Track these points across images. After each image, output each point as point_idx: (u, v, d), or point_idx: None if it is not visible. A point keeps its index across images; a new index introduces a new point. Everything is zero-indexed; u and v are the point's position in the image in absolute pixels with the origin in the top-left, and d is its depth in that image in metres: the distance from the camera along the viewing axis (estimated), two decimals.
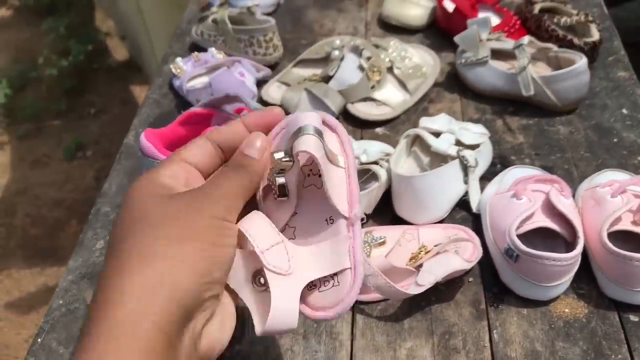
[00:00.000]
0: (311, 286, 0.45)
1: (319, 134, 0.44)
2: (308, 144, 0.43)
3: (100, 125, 2.45)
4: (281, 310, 0.42)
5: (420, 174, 0.76)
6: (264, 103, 0.99)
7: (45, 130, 2.42)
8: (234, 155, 0.45)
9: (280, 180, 0.45)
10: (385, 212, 0.79)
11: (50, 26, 2.84)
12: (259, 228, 0.44)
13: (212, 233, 0.40)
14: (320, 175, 0.45)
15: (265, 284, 0.43)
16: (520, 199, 0.71)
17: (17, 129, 2.42)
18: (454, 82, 1.00)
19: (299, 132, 0.44)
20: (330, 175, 0.45)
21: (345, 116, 0.96)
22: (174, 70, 1.01)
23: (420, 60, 0.99)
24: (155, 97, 1.04)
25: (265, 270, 0.42)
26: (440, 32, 1.10)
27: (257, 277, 0.44)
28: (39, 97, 2.56)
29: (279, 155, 0.44)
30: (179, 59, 1.03)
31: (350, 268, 0.44)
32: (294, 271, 0.43)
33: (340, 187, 0.46)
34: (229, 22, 1.04)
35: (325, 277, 0.45)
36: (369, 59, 0.96)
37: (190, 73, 1.00)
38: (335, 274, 0.44)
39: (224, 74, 0.95)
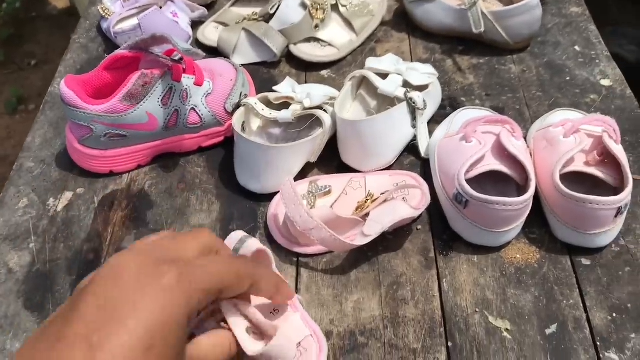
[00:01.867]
0: None
1: None
2: None
3: (42, 77, 2.32)
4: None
5: (366, 118, 0.71)
6: (200, 45, 0.92)
7: None
8: None
9: None
10: (331, 159, 0.75)
11: None
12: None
13: None
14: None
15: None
16: (470, 141, 0.67)
17: None
18: (402, 20, 0.94)
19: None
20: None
21: (289, 58, 0.90)
22: (101, 11, 0.93)
23: None
24: (83, 42, 0.96)
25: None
26: None
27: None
28: None
29: None
30: (106, 0, 0.94)
31: (311, 334, 0.53)
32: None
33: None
34: None
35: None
36: None
37: (119, 14, 0.92)
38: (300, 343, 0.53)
39: (155, 14, 0.87)
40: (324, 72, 0.88)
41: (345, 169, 0.74)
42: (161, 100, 0.72)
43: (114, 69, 0.74)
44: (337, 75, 0.87)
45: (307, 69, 0.89)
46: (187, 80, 0.74)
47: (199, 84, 0.75)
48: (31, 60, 2.38)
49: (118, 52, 0.73)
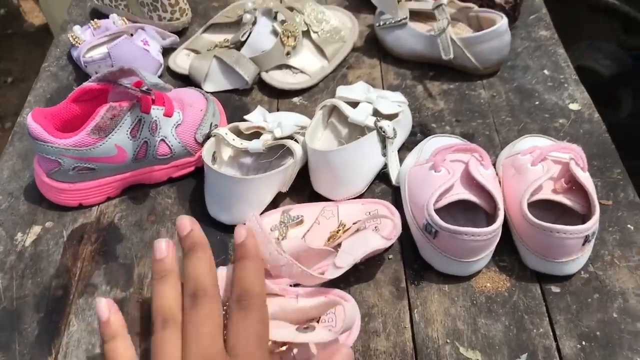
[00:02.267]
0: None
1: None
2: None
3: (19, 95, 2.30)
4: None
5: (337, 149, 0.71)
6: (172, 73, 0.92)
7: None
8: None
9: None
10: (302, 188, 0.75)
11: None
12: None
13: None
14: None
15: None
16: (439, 170, 0.68)
17: None
18: (373, 46, 0.95)
19: None
20: None
21: (260, 85, 0.90)
22: (71, 39, 0.92)
23: (338, 24, 0.94)
24: (53, 70, 0.95)
25: None
26: None
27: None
28: None
29: None
30: (77, 27, 0.93)
31: None
32: None
33: None
34: None
35: None
36: (283, 22, 0.90)
37: (89, 42, 0.91)
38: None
39: (124, 42, 0.87)
40: (296, 99, 0.88)
41: (317, 197, 0.74)
42: (130, 132, 0.71)
43: (82, 101, 0.74)
44: (309, 102, 0.88)
45: (278, 96, 0.89)
46: (156, 112, 0.73)
47: (168, 115, 0.74)
48: (7, 78, 2.36)
49: (86, 84, 0.73)
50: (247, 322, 0.44)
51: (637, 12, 1.73)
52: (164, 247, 0.47)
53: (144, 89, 0.72)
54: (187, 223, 0.48)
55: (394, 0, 0.88)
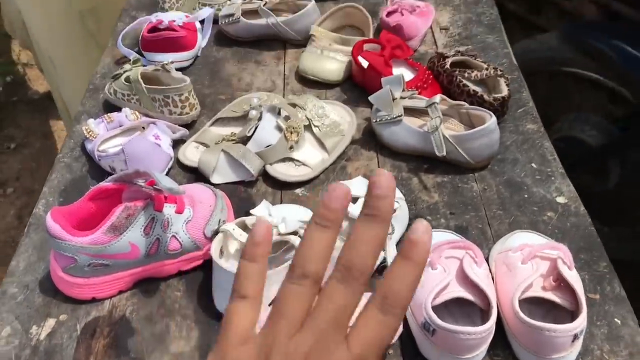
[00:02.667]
0: None
1: None
2: None
3: (20, 161, 2.35)
4: None
5: (337, 246, 0.76)
6: (182, 165, 0.97)
7: None
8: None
9: None
10: None
11: None
12: None
13: None
14: None
15: None
16: (435, 268, 0.72)
17: None
18: (370, 139, 1.01)
19: None
20: None
21: (265, 177, 0.95)
22: (85, 132, 0.97)
23: (338, 118, 1.00)
24: (67, 161, 1.00)
25: None
26: (357, 86, 1.11)
27: None
28: None
29: None
30: (91, 121, 0.99)
31: None
32: None
33: None
34: (142, 82, 1.01)
35: None
36: (287, 118, 0.96)
37: (103, 136, 0.97)
38: None
39: (137, 139, 0.92)
40: (298, 191, 0.93)
41: None
42: (143, 230, 0.76)
43: (98, 199, 0.78)
44: (311, 194, 0.92)
45: (282, 188, 0.94)
46: (168, 209, 0.78)
47: (179, 212, 0.79)
48: (10, 144, 2.42)
49: (102, 184, 0.78)
50: (380, 327, 0.37)
51: (620, 85, 1.81)
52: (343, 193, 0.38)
53: (157, 187, 0.77)
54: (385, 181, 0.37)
55: (390, 99, 0.94)
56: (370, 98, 0.96)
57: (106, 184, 0.78)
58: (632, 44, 1.66)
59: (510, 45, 1.55)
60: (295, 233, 0.79)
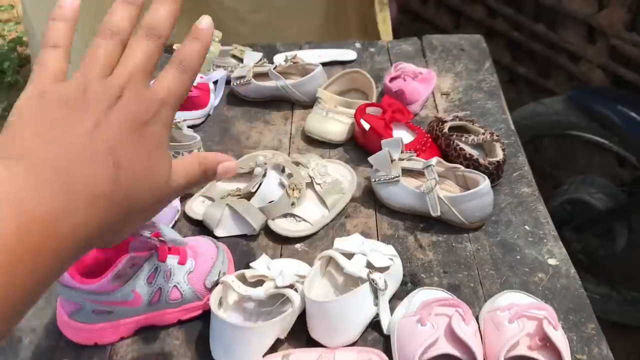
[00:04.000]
0: None
1: None
2: None
3: None
4: None
5: (332, 300, 0.79)
6: (187, 218, 1.02)
7: None
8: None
9: None
10: (300, 333, 0.81)
11: None
12: None
13: None
14: None
15: None
16: (425, 325, 0.74)
17: None
18: (369, 197, 1.05)
19: None
20: None
21: (266, 232, 0.99)
22: None
23: (339, 176, 1.04)
24: None
25: None
26: (358, 146, 1.16)
27: None
28: None
29: None
30: None
31: None
32: None
33: None
34: None
35: None
36: (290, 176, 1.00)
37: None
38: None
39: None
40: (298, 246, 0.97)
41: (314, 343, 0.80)
42: (146, 280, 0.80)
43: (105, 249, 0.82)
44: (310, 249, 0.96)
45: (283, 242, 0.97)
46: (171, 260, 0.82)
47: (182, 263, 0.83)
48: None
49: None
50: (178, 81, 0.48)
51: (626, 151, 1.84)
52: None
53: (161, 239, 0.81)
54: None
55: (388, 160, 0.99)
56: (370, 159, 1.01)
57: None
58: (637, 111, 1.69)
59: (517, 107, 1.59)
60: (291, 286, 0.82)
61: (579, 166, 2.00)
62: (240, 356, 0.77)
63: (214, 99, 1.29)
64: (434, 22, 2.61)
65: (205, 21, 0.50)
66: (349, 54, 1.43)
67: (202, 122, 1.25)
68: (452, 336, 0.74)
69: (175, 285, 0.82)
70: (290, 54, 1.37)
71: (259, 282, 0.84)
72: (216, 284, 0.83)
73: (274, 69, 1.27)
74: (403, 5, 2.55)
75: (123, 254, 0.80)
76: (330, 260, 0.88)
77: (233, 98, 1.32)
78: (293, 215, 0.99)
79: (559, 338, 0.72)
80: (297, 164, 1.03)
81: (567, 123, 1.81)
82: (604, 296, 1.87)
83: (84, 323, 0.80)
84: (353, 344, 0.81)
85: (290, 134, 1.22)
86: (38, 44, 2.45)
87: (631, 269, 1.90)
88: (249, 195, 1.01)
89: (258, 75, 1.29)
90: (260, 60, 1.34)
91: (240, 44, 1.42)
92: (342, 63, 1.42)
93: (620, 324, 1.80)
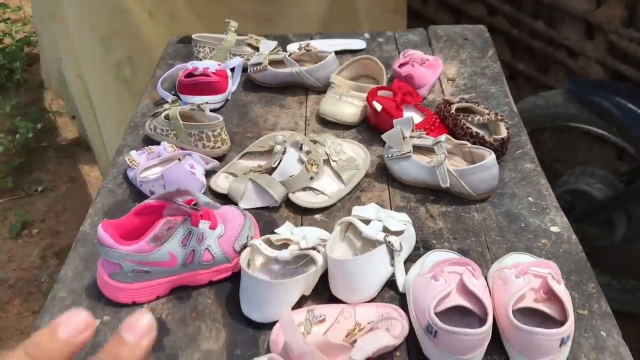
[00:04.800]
0: None
1: None
2: None
3: (47, 204, 2.47)
4: None
5: (352, 258, 0.86)
6: (213, 192, 1.08)
7: None
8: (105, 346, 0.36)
9: None
10: (322, 291, 0.88)
11: None
12: None
13: None
14: None
15: None
16: (438, 280, 0.81)
17: None
18: (382, 173, 1.12)
19: None
20: None
21: (287, 204, 1.06)
22: (128, 162, 1.09)
23: (353, 154, 1.11)
24: (110, 187, 1.12)
25: None
26: (371, 128, 1.23)
27: None
28: None
29: None
30: (133, 152, 1.11)
31: None
32: None
33: None
34: (180, 119, 1.14)
35: None
36: (308, 152, 1.07)
37: (144, 165, 1.08)
38: None
39: (175, 167, 1.04)
40: (317, 216, 1.04)
41: (335, 300, 0.87)
42: (181, 242, 0.86)
43: (143, 215, 0.89)
44: (328, 219, 1.03)
45: (303, 213, 1.04)
46: (203, 225, 0.89)
47: (213, 228, 0.90)
48: (38, 187, 2.54)
49: (147, 201, 0.89)
50: None
51: (624, 142, 1.89)
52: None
53: (194, 206, 0.88)
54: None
55: (400, 138, 1.06)
56: (383, 136, 1.08)
57: (150, 201, 0.89)
58: (635, 103, 1.74)
59: (518, 102, 1.65)
60: (314, 248, 0.89)
61: (578, 158, 2.05)
62: (269, 310, 0.84)
63: (232, 85, 1.35)
64: (434, 21, 2.67)
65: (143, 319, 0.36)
66: (358, 44, 1.50)
67: (221, 107, 1.32)
68: (464, 290, 0.80)
69: (207, 248, 0.89)
70: (303, 42, 1.44)
71: (283, 246, 0.91)
72: (244, 247, 0.90)
73: (289, 56, 1.34)
74: None
75: (159, 219, 0.87)
76: (349, 226, 0.94)
77: (250, 84, 1.39)
78: (312, 189, 1.06)
79: (563, 292, 0.79)
80: (314, 142, 1.10)
81: (567, 115, 1.85)
82: (604, 285, 1.93)
83: (124, 283, 0.87)
84: (371, 301, 0.88)
85: (306, 117, 1.29)
86: (45, 44, 2.53)
87: (630, 258, 1.95)
88: (270, 171, 1.07)
89: (273, 63, 1.36)
90: (275, 48, 1.41)
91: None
92: (352, 52, 1.49)
93: (620, 312, 1.86)
